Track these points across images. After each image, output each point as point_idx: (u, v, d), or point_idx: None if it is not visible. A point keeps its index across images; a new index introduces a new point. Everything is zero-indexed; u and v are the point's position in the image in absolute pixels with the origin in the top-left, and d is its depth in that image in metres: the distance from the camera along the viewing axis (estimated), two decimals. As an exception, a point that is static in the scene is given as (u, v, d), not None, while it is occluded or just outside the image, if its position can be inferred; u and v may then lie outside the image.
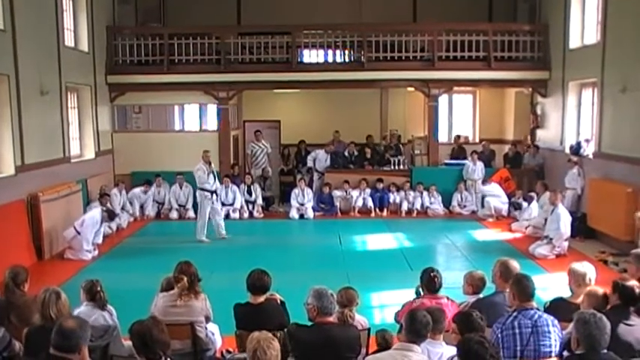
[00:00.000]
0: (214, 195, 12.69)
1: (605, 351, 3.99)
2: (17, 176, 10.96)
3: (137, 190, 15.09)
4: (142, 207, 15.14)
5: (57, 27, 12.75)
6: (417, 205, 15.42)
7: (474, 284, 5.91)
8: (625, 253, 8.95)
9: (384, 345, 5.36)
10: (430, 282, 5.74)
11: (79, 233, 11.18)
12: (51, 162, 12.26)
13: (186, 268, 5.64)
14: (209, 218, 12.67)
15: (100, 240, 11.76)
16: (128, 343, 4.91)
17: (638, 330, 4.59)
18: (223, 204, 15.04)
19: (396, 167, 16.37)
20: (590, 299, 5.06)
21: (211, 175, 12.60)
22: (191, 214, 15.13)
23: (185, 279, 5.55)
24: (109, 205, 13.02)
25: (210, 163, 12.71)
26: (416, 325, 4.25)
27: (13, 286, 5.72)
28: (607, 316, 4.14)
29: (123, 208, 14.39)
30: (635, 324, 4.62)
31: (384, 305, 8.26)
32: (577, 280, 5.52)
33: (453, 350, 4.24)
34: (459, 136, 18.32)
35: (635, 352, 4.47)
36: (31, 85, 11.56)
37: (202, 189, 12.63)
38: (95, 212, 11.81)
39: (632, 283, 4.91)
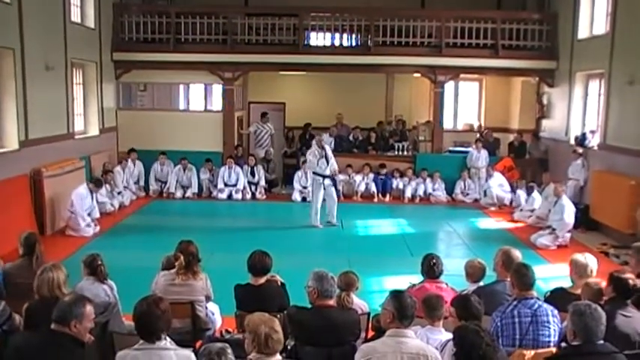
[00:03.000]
0: (326, 179, 12.41)
1: (602, 342, 3.99)
2: (21, 151, 10.95)
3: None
4: (137, 182, 15.07)
5: (63, 2, 12.66)
6: (420, 192, 15.41)
7: (474, 273, 5.93)
8: (627, 246, 8.93)
9: (379, 328, 5.37)
10: (430, 269, 5.77)
11: (72, 213, 11.22)
12: (55, 138, 12.24)
13: (185, 247, 5.64)
14: (324, 200, 12.50)
15: (97, 214, 11.76)
16: (129, 322, 4.94)
17: (636, 321, 4.60)
18: (226, 185, 15.12)
19: (400, 153, 16.36)
20: (585, 290, 5.08)
21: (323, 160, 12.31)
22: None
23: (182, 258, 5.56)
24: (107, 177, 12.93)
25: (323, 148, 12.45)
26: (403, 311, 4.10)
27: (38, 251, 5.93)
28: (603, 308, 4.15)
29: (126, 187, 14.38)
30: (632, 315, 4.63)
31: (384, 290, 8.25)
32: (578, 271, 5.54)
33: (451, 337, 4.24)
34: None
35: (633, 343, 4.48)
36: (37, 60, 11.50)
37: (315, 173, 12.52)
38: (80, 189, 11.65)
39: (628, 275, 4.91)
